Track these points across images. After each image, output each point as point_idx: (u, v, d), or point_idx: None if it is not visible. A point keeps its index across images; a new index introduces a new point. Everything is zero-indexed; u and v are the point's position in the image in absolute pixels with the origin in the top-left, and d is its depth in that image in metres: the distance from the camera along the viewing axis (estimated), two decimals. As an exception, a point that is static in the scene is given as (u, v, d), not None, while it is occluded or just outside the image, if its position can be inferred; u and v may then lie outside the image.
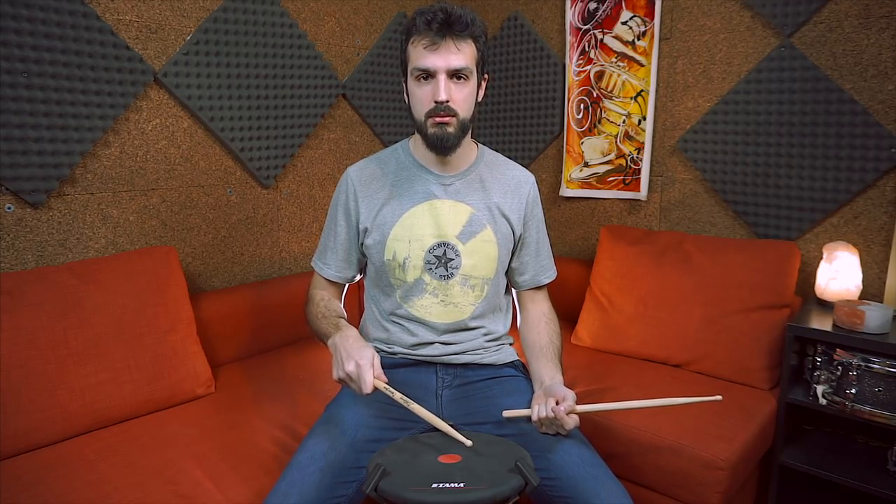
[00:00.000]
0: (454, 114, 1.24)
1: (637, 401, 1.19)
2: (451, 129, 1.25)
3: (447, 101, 1.22)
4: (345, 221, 1.38)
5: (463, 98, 1.25)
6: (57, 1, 1.54)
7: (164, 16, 1.77)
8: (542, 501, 1.15)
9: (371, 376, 1.11)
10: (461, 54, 1.22)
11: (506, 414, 1.22)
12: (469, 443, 1.06)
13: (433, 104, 1.23)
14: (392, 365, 1.39)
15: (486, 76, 1.34)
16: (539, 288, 1.46)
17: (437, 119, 1.24)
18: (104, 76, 1.65)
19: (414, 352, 1.37)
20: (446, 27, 1.20)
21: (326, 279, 1.42)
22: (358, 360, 1.11)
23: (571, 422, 1.15)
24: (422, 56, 1.22)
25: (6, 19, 1.46)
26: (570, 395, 1.17)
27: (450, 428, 1.09)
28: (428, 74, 1.23)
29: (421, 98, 1.25)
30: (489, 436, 1.13)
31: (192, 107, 1.85)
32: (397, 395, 1.11)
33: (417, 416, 1.31)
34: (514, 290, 1.49)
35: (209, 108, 1.89)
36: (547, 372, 1.28)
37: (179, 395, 1.61)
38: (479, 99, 1.33)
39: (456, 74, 1.23)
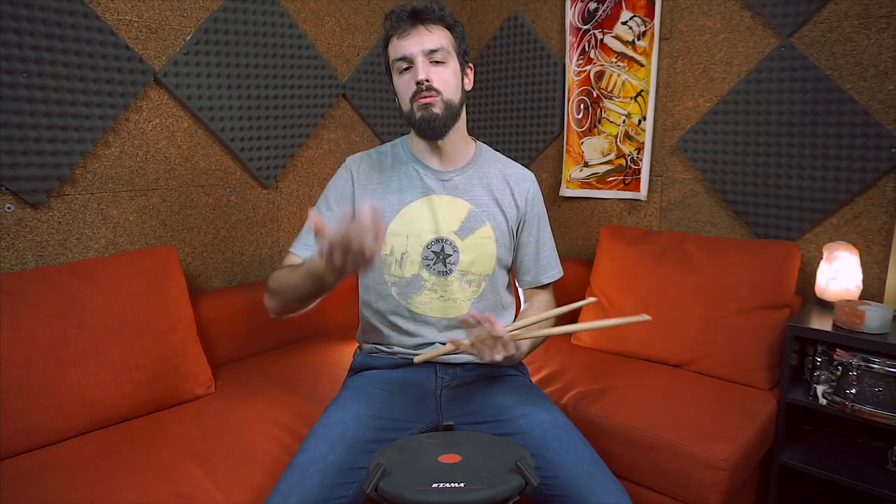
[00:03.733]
0: (437, 92, 1.26)
1: (565, 326, 1.20)
2: (436, 110, 1.26)
3: (427, 81, 1.24)
4: (336, 205, 1.36)
5: (445, 79, 1.27)
6: (57, 1, 1.53)
7: (164, 16, 1.77)
8: (541, 501, 1.15)
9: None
10: (434, 35, 1.26)
11: (418, 360, 1.23)
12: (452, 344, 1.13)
13: (415, 87, 1.25)
14: (391, 365, 1.39)
15: (470, 66, 1.36)
16: (542, 287, 1.46)
17: (421, 100, 1.25)
18: (104, 76, 1.64)
19: (414, 352, 1.37)
20: (415, 16, 1.26)
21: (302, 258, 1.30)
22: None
23: (502, 342, 1.13)
24: (398, 47, 1.27)
25: (6, 19, 1.46)
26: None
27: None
28: (406, 62, 1.26)
29: (404, 87, 1.28)
30: (489, 436, 1.13)
31: (192, 107, 1.85)
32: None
33: (417, 417, 1.32)
34: (519, 288, 1.50)
35: (209, 108, 1.89)
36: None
37: (179, 395, 1.60)
38: (468, 87, 1.35)
39: (433, 55, 1.25)
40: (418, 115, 1.27)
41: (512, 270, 1.47)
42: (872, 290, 1.87)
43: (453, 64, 1.29)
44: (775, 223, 2.03)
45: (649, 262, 2.05)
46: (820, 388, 1.65)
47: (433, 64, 1.26)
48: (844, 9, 1.83)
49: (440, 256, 1.33)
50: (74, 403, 1.42)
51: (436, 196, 1.34)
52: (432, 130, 1.28)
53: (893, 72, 1.78)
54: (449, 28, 1.29)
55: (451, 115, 1.29)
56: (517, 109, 2.62)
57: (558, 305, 1.44)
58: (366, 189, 1.36)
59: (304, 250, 1.34)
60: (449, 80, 1.27)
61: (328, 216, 1.35)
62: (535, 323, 1.22)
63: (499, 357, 1.15)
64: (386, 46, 1.31)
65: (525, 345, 1.27)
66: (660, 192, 2.29)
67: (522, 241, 1.41)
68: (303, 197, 2.25)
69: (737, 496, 1.57)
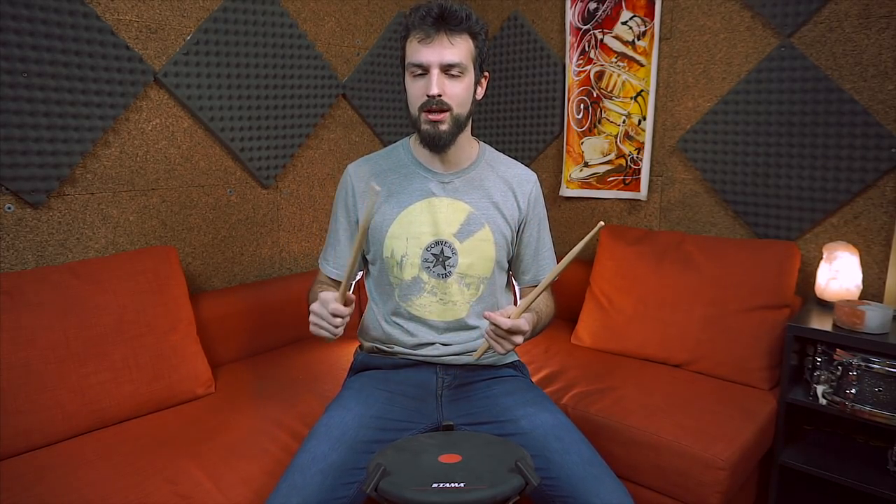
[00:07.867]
0: (447, 108, 1.24)
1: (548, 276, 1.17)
2: (443, 127, 1.25)
3: (439, 95, 1.22)
4: (345, 219, 1.39)
5: (457, 93, 1.24)
6: (57, 1, 1.53)
7: (164, 16, 1.77)
8: (542, 501, 1.15)
9: (332, 310, 1.12)
10: (455, 49, 1.22)
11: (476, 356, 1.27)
12: (378, 188, 1.10)
13: (426, 98, 1.23)
14: (392, 365, 1.39)
15: (486, 74, 1.34)
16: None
17: (430, 116, 1.24)
18: (104, 76, 1.64)
19: (414, 352, 1.37)
20: (440, 21, 1.21)
21: (329, 277, 1.42)
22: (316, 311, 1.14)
23: (509, 323, 1.12)
24: (416, 51, 1.23)
25: (6, 19, 1.46)
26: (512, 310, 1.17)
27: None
28: (422, 69, 1.23)
29: (415, 93, 1.26)
30: (489, 436, 1.13)
31: (192, 107, 1.85)
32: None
33: (418, 417, 1.32)
34: (516, 286, 1.49)
35: (209, 108, 1.89)
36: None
37: (179, 395, 1.61)
38: (479, 97, 1.32)
39: (450, 70, 1.23)
40: (424, 127, 1.26)
41: (510, 271, 1.47)
42: (872, 290, 1.87)
43: (469, 77, 1.26)
44: (775, 223, 2.03)
45: (649, 262, 2.05)
46: (820, 388, 1.65)
47: (448, 77, 1.23)
48: (844, 9, 1.83)
49: (439, 259, 1.33)
50: (74, 403, 1.42)
51: (436, 198, 1.34)
52: (436, 146, 1.28)
53: (893, 72, 1.78)
54: (473, 36, 1.26)
55: (458, 128, 1.28)
56: (517, 109, 2.62)
57: (557, 305, 1.45)
58: (364, 196, 1.36)
59: (326, 267, 1.43)
60: (461, 94, 1.25)
61: (340, 230, 1.40)
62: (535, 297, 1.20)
63: (519, 340, 1.15)
64: (404, 39, 1.27)
65: (528, 318, 1.20)
66: (660, 192, 2.29)
67: (523, 241, 1.41)
68: (303, 197, 2.25)
69: (737, 496, 1.57)
